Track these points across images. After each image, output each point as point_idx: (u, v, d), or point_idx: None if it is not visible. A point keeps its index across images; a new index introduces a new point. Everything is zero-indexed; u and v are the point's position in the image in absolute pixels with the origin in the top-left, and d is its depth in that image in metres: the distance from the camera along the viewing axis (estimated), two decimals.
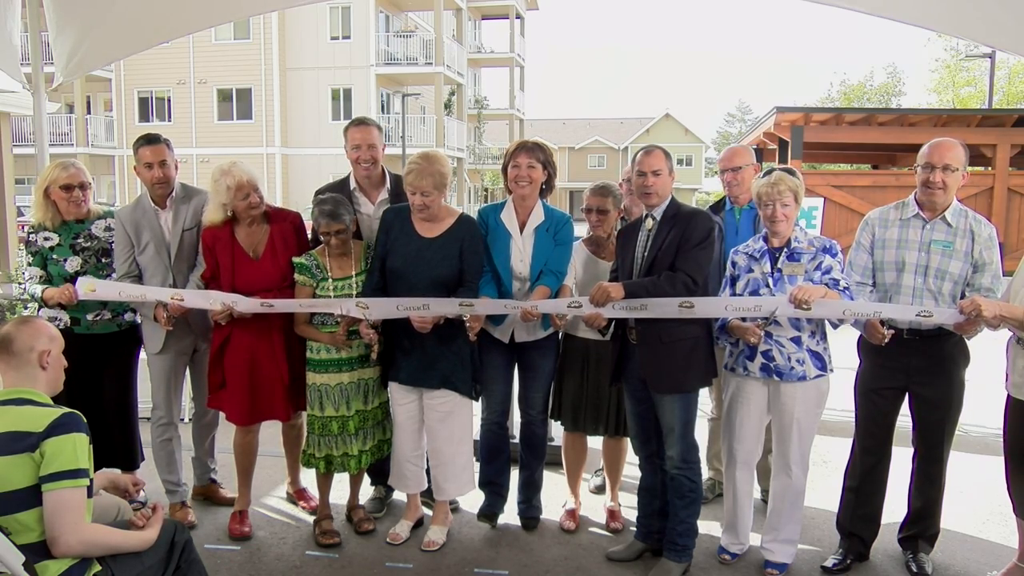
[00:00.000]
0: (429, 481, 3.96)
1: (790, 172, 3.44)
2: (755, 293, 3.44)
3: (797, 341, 3.38)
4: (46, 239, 3.82)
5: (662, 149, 3.50)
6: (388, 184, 3.98)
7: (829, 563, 3.58)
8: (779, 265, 3.41)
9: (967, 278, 3.36)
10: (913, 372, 3.41)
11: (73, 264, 3.81)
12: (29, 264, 3.88)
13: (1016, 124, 12.89)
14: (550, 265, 3.74)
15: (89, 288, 3.64)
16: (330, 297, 3.66)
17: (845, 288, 3.33)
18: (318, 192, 3.88)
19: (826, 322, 3.42)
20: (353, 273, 3.72)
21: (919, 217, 3.43)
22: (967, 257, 3.35)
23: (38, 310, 3.91)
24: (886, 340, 3.30)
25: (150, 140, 3.84)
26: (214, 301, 3.62)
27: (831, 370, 3.46)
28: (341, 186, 3.99)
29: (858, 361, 3.62)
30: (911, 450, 3.57)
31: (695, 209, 3.61)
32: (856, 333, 3.56)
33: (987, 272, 3.33)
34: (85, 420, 2.37)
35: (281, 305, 3.64)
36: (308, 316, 3.74)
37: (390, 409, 3.89)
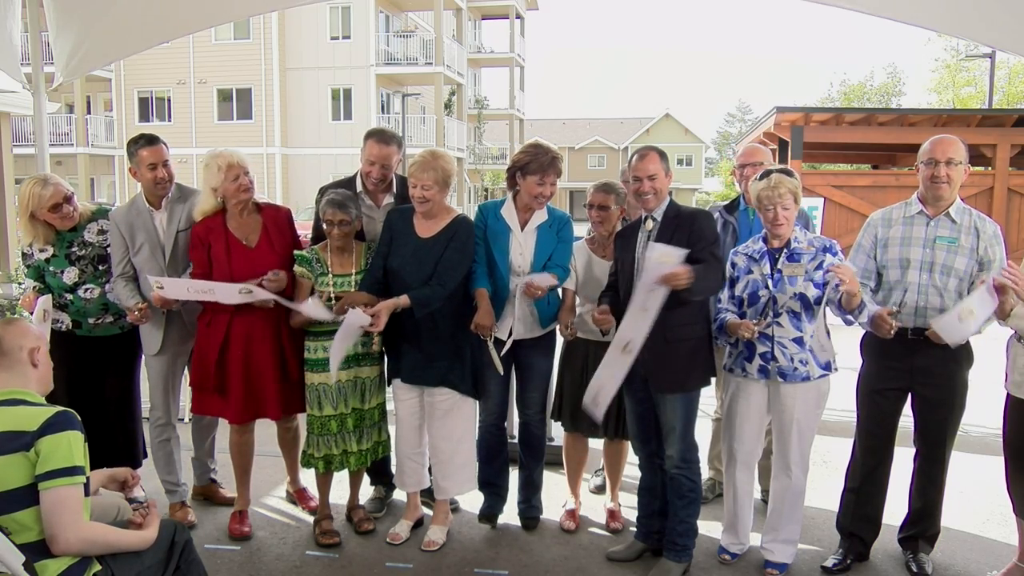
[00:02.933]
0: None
1: (787, 173, 3.44)
2: (754, 294, 3.44)
3: (799, 341, 3.37)
4: (41, 251, 3.80)
5: (656, 150, 3.49)
6: (395, 189, 3.98)
7: (829, 563, 3.58)
8: (779, 266, 3.41)
9: (972, 275, 3.35)
10: (916, 372, 3.41)
11: (71, 275, 3.79)
12: (26, 275, 3.88)
13: (1016, 124, 12.89)
14: (555, 260, 3.76)
15: (42, 310, 3.57)
16: (330, 293, 3.66)
17: None
18: (322, 189, 3.88)
19: (827, 320, 3.42)
20: (353, 271, 3.72)
21: (923, 214, 3.44)
22: (972, 253, 3.35)
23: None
24: (893, 331, 3.29)
25: (150, 141, 3.80)
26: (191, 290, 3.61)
27: (835, 369, 3.46)
28: (347, 186, 3.97)
29: (861, 361, 3.62)
30: (912, 450, 3.57)
31: (696, 209, 3.63)
32: (859, 333, 3.56)
33: (992, 269, 3.32)
34: (79, 418, 2.37)
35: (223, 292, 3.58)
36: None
37: (394, 407, 3.88)
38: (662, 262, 3.11)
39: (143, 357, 4.02)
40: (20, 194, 3.74)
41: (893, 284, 3.47)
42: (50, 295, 3.70)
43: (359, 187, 3.95)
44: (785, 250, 3.42)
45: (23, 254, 3.86)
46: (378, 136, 3.88)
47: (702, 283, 3.19)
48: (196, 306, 3.79)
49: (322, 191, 3.84)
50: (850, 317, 3.36)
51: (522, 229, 3.78)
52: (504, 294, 3.75)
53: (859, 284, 3.24)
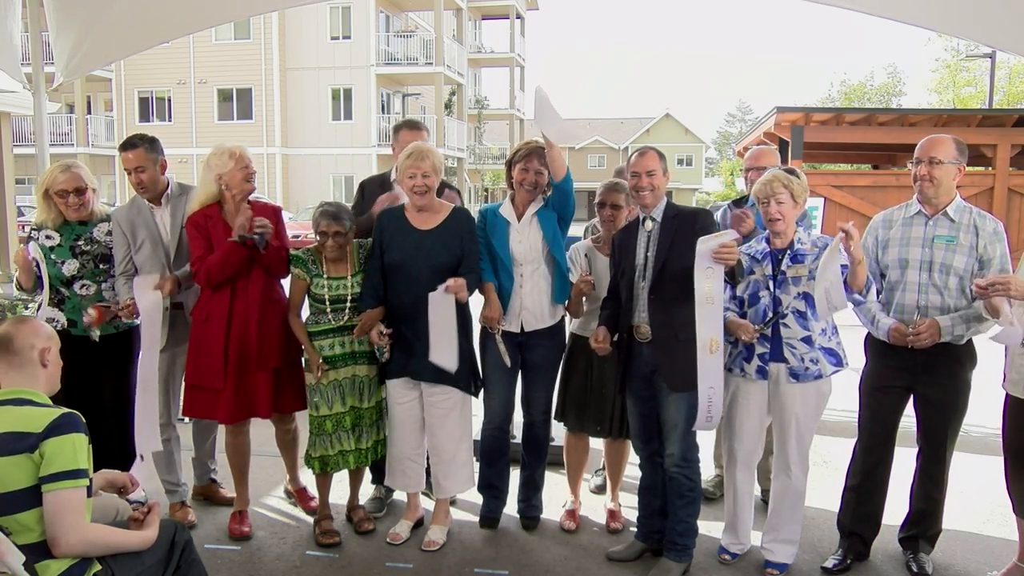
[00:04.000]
0: (427, 477, 3.97)
1: (790, 172, 3.43)
2: (755, 296, 3.44)
3: (808, 341, 3.37)
4: (48, 237, 3.82)
5: (655, 150, 3.52)
6: None
7: (829, 564, 3.58)
8: (783, 268, 3.40)
9: (973, 273, 3.35)
10: (919, 372, 3.41)
11: (70, 267, 3.79)
12: None
13: (1016, 124, 12.89)
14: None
15: (34, 258, 3.68)
16: (324, 295, 3.66)
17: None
18: (362, 183, 4.22)
19: (834, 317, 3.41)
20: (348, 274, 3.72)
21: (921, 215, 3.45)
22: (971, 251, 3.35)
23: (38, 309, 3.91)
24: (912, 345, 3.33)
25: (127, 145, 3.85)
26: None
27: (847, 364, 3.46)
28: (383, 178, 4.15)
29: (864, 360, 3.62)
30: (914, 450, 3.57)
31: (696, 208, 3.64)
32: (862, 332, 3.57)
33: (992, 267, 3.32)
34: (84, 420, 2.37)
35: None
36: (299, 310, 3.75)
37: (388, 408, 3.88)
38: (713, 241, 3.15)
39: (141, 356, 4.02)
40: (44, 172, 3.87)
41: (893, 284, 3.47)
42: (35, 243, 3.75)
43: (393, 176, 4.02)
44: (788, 252, 3.41)
45: (28, 238, 3.88)
46: (408, 124, 4.19)
47: (740, 264, 3.25)
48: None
49: (361, 187, 4.20)
50: (858, 296, 3.33)
51: (519, 220, 3.80)
52: (508, 286, 3.76)
53: (863, 255, 3.22)
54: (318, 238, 3.68)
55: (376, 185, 4.16)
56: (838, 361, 3.43)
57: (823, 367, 3.38)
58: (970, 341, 3.41)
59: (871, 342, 3.56)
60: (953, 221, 3.39)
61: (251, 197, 3.82)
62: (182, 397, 3.94)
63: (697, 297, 3.19)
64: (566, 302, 3.86)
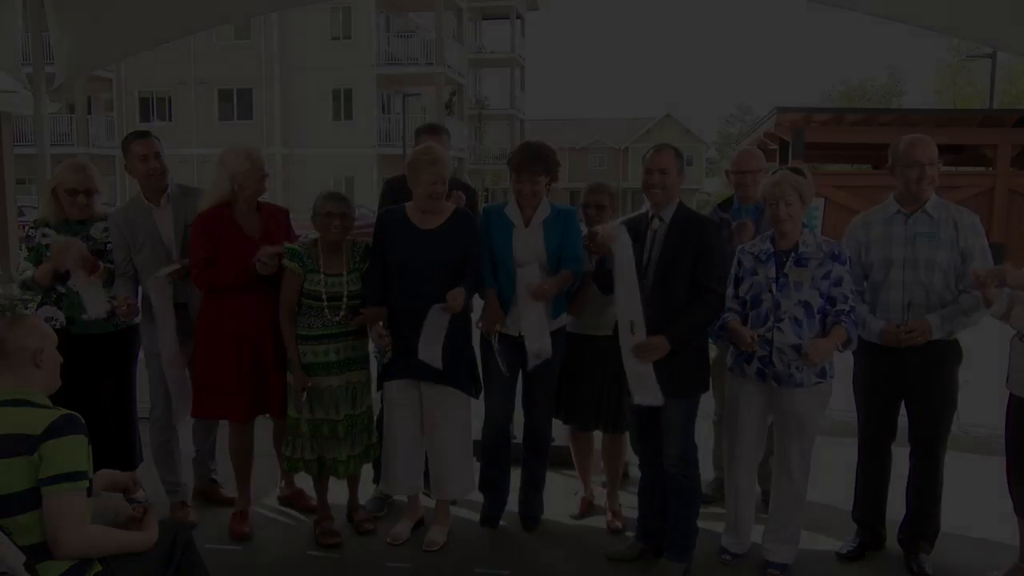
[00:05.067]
0: (424, 479, 3.96)
1: (797, 171, 3.42)
2: (756, 298, 3.42)
3: (798, 349, 3.35)
4: (44, 235, 3.82)
5: (673, 148, 3.46)
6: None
7: (844, 549, 3.66)
8: (786, 270, 3.38)
9: (958, 268, 3.37)
10: (907, 372, 3.43)
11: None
12: (25, 259, 3.89)
13: (1017, 124, 12.90)
14: (567, 253, 3.75)
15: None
16: (321, 292, 3.65)
17: (850, 310, 3.30)
18: (388, 181, 4.17)
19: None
20: (344, 272, 3.70)
21: (900, 213, 3.49)
22: (953, 246, 3.39)
23: (38, 308, 3.92)
24: (906, 342, 3.35)
25: (140, 135, 3.88)
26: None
27: (831, 376, 3.45)
28: (402, 183, 4.02)
29: (853, 363, 3.63)
30: (908, 449, 3.58)
31: (706, 217, 3.62)
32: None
33: (973, 260, 3.36)
34: (83, 421, 2.37)
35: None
36: (294, 310, 3.72)
37: (383, 410, 3.87)
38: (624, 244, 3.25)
39: (143, 356, 4.02)
40: (55, 169, 3.89)
41: (878, 284, 3.49)
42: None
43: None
44: (793, 254, 3.39)
45: (27, 236, 3.89)
46: (428, 129, 4.23)
47: (691, 333, 3.30)
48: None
49: (392, 186, 4.12)
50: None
51: (526, 225, 3.78)
52: (510, 291, 3.75)
53: (840, 336, 3.25)
54: (322, 221, 3.65)
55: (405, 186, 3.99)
56: (823, 373, 3.40)
57: (806, 376, 3.36)
58: (955, 338, 3.43)
59: (859, 345, 3.56)
60: (932, 217, 3.43)
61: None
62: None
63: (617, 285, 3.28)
64: (564, 313, 3.85)
